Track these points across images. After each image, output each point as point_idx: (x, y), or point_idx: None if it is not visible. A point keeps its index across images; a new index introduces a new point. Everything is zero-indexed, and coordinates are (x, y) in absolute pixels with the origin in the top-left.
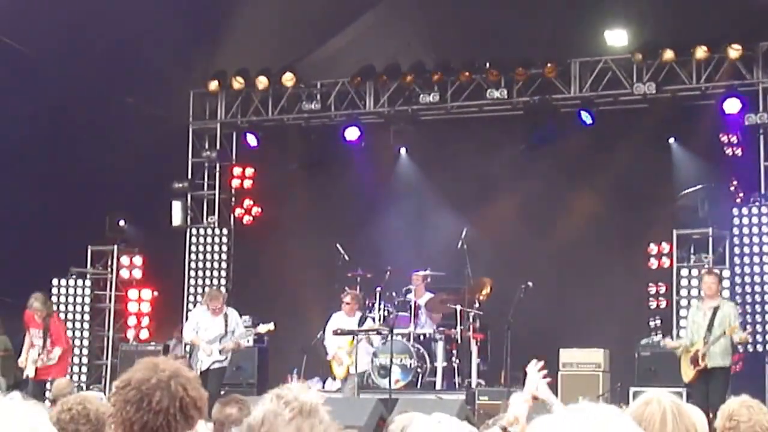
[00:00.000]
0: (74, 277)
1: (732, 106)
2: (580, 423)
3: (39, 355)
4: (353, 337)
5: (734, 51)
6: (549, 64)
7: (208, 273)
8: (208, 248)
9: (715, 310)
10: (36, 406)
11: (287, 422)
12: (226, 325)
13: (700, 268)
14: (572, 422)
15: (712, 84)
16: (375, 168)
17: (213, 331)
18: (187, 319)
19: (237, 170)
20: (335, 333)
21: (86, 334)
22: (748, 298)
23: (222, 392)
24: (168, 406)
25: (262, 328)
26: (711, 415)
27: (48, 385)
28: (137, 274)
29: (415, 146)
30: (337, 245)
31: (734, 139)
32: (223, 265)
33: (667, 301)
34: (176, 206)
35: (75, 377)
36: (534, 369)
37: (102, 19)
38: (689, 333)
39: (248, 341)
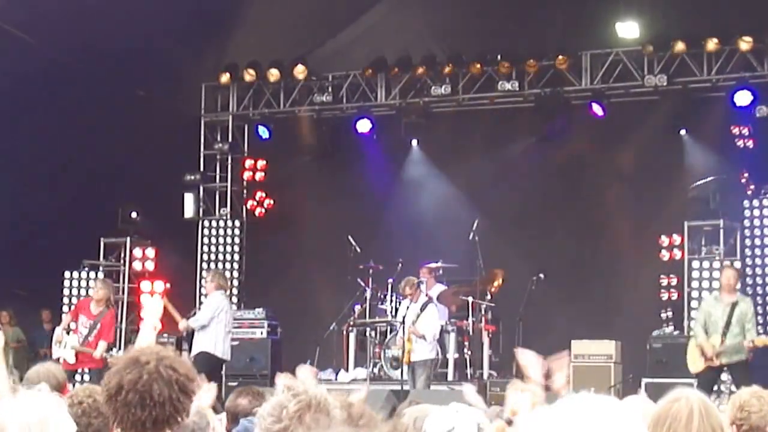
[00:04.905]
0: (87, 269)
1: (743, 98)
2: (576, 415)
3: (80, 344)
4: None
5: (745, 43)
6: (560, 56)
7: (220, 265)
8: (221, 240)
9: (733, 306)
10: (53, 397)
11: (291, 414)
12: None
13: (711, 260)
14: (568, 414)
15: (723, 76)
16: (386, 160)
17: None
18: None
19: (249, 162)
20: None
21: None
22: (759, 290)
23: (236, 384)
24: (169, 394)
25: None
26: None
27: (79, 377)
28: (150, 266)
29: (426, 138)
30: (349, 237)
31: (745, 131)
32: (236, 257)
33: (678, 292)
34: (188, 198)
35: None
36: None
37: (114, 12)
38: (701, 322)
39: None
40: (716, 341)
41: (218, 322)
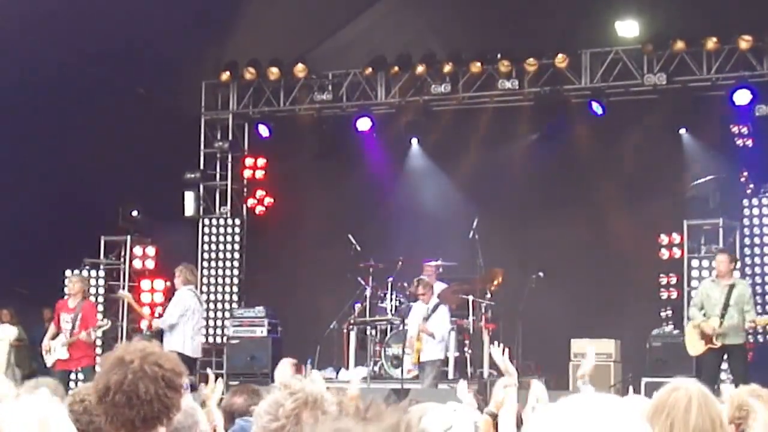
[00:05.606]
0: (87, 267)
1: (742, 97)
2: (579, 413)
3: (67, 338)
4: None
5: (745, 42)
6: (560, 55)
7: (220, 263)
8: (221, 239)
9: (731, 288)
10: (53, 400)
11: (288, 412)
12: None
13: (711, 259)
14: (571, 413)
15: (723, 75)
16: (386, 158)
17: None
18: None
19: (249, 161)
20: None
21: None
22: (758, 289)
23: (236, 382)
24: (156, 390)
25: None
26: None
27: (74, 376)
28: (150, 264)
29: (426, 137)
30: (349, 236)
31: (745, 130)
32: (236, 255)
33: (678, 291)
34: (189, 196)
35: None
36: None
37: (114, 11)
38: (698, 305)
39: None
40: (715, 323)
41: (185, 322)
